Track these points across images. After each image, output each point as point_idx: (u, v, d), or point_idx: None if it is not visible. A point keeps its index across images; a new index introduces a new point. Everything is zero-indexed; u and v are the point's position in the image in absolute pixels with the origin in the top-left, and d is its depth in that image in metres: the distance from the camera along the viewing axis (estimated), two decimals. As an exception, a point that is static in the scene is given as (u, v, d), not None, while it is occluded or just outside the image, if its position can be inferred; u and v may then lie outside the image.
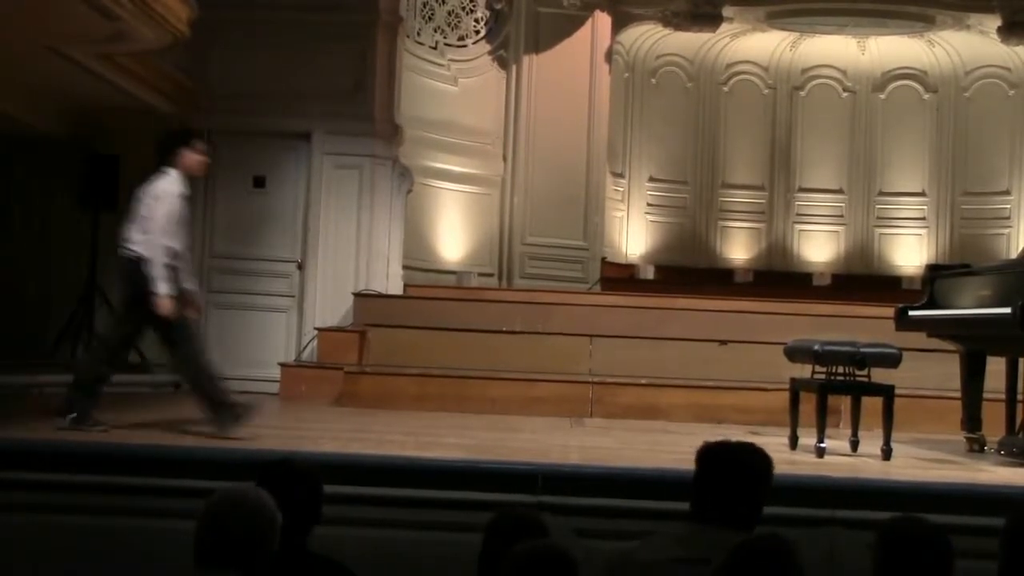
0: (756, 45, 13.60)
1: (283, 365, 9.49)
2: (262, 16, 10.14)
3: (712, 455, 3.29)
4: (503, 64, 12.44)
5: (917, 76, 13.61)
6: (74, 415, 6.19)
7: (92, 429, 6.14)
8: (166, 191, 6.40)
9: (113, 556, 4.86)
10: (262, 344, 10.02)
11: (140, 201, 6.43)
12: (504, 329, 9.46)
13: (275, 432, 6.71)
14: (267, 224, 10.31)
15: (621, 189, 13.36)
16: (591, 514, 4.77)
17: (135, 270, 6.30)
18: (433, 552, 4.73)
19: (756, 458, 3.32)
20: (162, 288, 6.26)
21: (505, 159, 12.35)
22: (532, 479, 5.06)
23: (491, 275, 12.22)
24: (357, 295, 10.03)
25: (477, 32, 12.44)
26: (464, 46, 12.38)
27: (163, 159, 6.52)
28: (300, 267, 10.24)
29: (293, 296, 10.26)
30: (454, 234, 12.06)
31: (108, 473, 5.19)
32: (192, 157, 6.55)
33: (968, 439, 7.23)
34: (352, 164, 10.31)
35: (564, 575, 2.75)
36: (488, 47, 12.45)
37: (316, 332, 9.84)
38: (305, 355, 9.93)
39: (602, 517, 4.77)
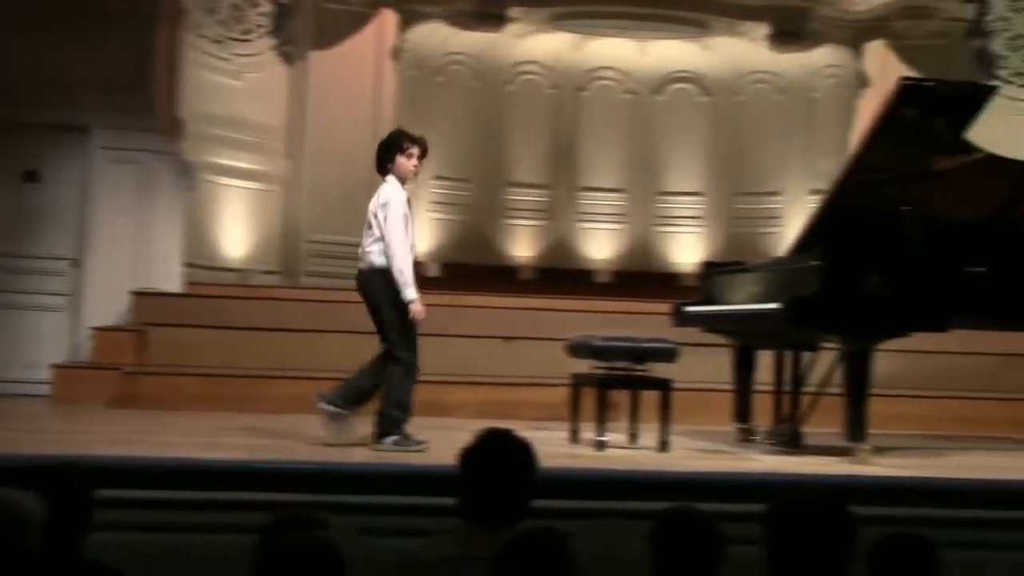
0: (541, 45, 13.81)
1: (56, 366, 9.13)
2: (35, 3, 9.76)
3: (473, 452, 3.30)
4: (288, 60, 12.31)
5: (694, 79, 14.05)
6: (395, 437, 6.32)
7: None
8: (395, 197, 6.47)
9: None
10: (34, 345, 9.64)
11: (372, 213, 6.50)
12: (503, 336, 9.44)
13: (48, 436, 6.49)
14: (41, 220, 9.92)
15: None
16: (375, 512, 4.78)
17: (372, 280, 6.45)
18: (215, 555, 4.65)
19: (517, 450, 3.33)
20: (410, 293, 6.39)
21: (289, 155, 12.23)
22: (316, 478, 5.05)
23: (276, 273, 12.08)
24: (136, 293, 9.76)
25: (261, 27, 12.26)
26: (249, 40, 12.19)
27: (381, 167, 6.65)
28: (76, 265, 9.91)
29: (68, 295, 9.91)
30: (238, 231, 11.87)
31: None
32: (403, 162, 6.59)
33: (739, 429, 7.55)
34: (132, 159, 10.03)
35: (326, 567, 2.70)
36: (273, 42, 12.29)
37: (91, 332, 9.53)
38: (81, 356, 9.61)
39: (386, 515, 4.79)
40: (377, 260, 6.50)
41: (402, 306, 6.45)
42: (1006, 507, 5.33)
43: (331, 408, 6.53)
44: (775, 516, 3.08)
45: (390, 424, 6.42)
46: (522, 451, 3.33)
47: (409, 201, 6.64)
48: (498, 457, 3.28)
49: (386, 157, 6.67)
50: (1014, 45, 13.61)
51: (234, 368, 8.76)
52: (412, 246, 6.63)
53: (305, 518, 3.17)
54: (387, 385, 6.53)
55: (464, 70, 13.72)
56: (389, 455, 6.20)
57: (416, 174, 6.85)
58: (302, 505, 3.95)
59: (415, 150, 6.68)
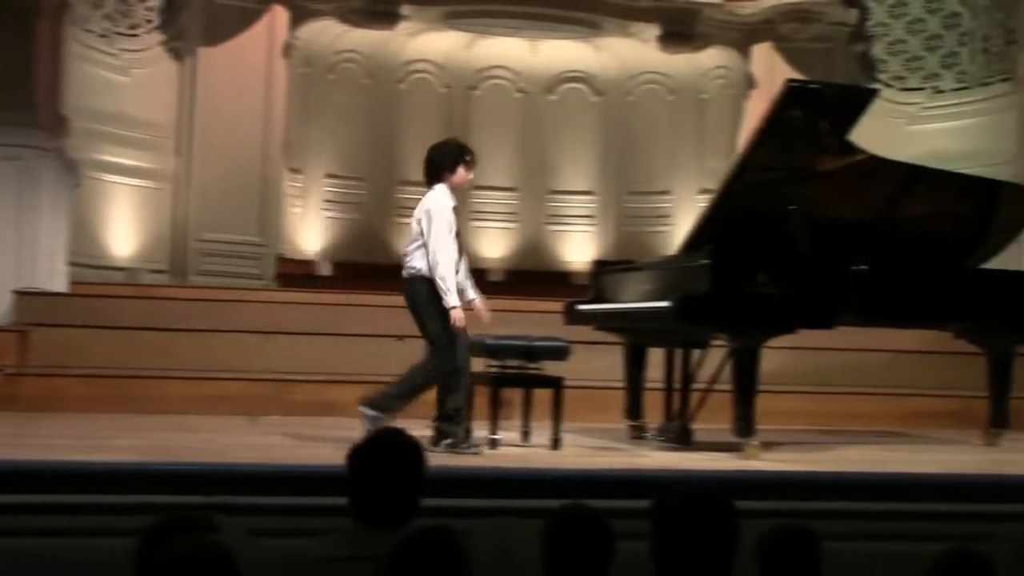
0: (433, 44, 13.79)
1: (-67, 369, 8.87)
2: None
3: (362, 451, 3.28)
4: (177, 55, 12.12)
5: (585, 79, 14.15)
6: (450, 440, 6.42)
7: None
8: (440, 206, 6.50)
9: None
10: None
11: (416, 220, 6.54)
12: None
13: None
14: (-86, 218, 9.63)
15: (299, 185, 13.27)
16: (266, 513, 4.73)
17: (414, 286, 6.47)
18: (101, 559, 4.56)
19: (405, 449, 3.31)
20: (451, 300, 6.39)
21: (179, 153, 12.05)
22: (206, 479, 4.97)
23: (164, 272, 11.88)
24: (19, 293, 9.51)
25: (149, 22, 12.08)
26: (136, 35, 11.99)
27: (436, 175, 6.64)
28: (-47, 264, 9.63)
29: (-55, 295, 9.63)
30: (125, 230, 11.66)
31: None
32: (462, 173, 6.65)
33: (631, 427, 7.62)
34: (12, 156, 9.74)
35: (215, 570, 2.64)
36: (161, 37, 12.11)
37: (-29, 333, 9.27)
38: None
39: (277, 516, 4.73)
40: (419, 266, 6.53)
41: (444, 312, 6.47)
42: (889, 499, 5.44)
43: (370, 412, 6.52)
44: (660, 511, 3.11)
45: (446, 429, 6.50)
46: (411, 450, 3.31)
47: (456, 209, 6.65)
48: (387, 456, 3.26)
49: (444, 166, 6.67)
50: (893, 50, 13.96)
51: (121, 369, 8.59)
52: (462, 252, 6.65)
53: (191, 520, 3.09)
54: (439, 392, 6.62)
55: (356, 68, 13.64)
56: (446, 458, 6.21)
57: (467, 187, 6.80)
58: (191, 507, 3.88)
59: (473, 161, 6.78)
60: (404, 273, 6.67)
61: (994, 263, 7.99)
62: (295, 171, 13.17)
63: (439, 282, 6.44)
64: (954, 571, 2.95)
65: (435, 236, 6.48)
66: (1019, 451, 7.64)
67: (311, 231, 13.39)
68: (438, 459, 5.52)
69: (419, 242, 6.55)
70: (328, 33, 13.25)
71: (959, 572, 2.95)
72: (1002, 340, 7.75)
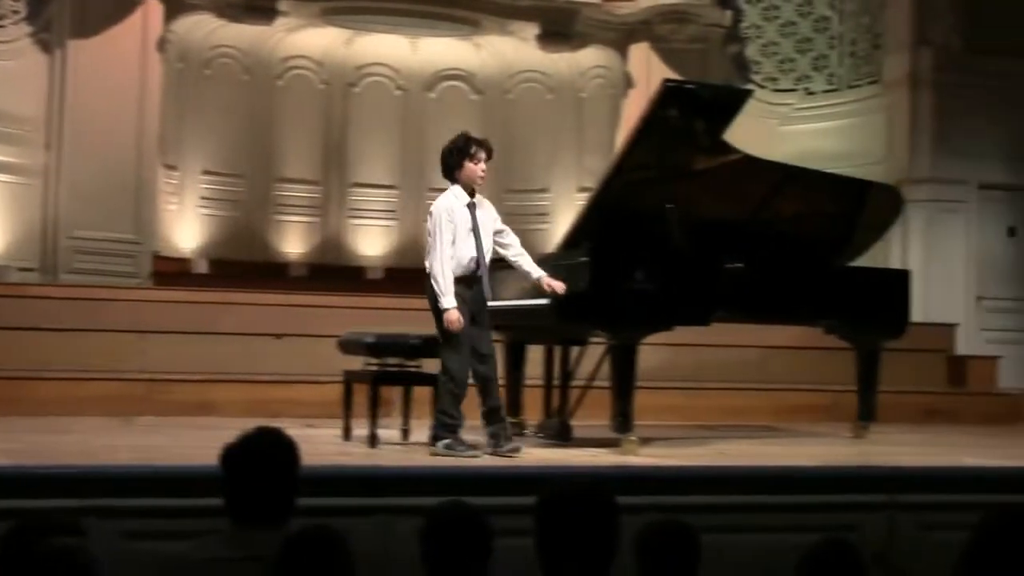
0: (311, 40, 13.67)
1: None
2: None
3: (234, 452, 3.24)
4: (46, 48, 11.82)
5: (465, 77, 14.16)
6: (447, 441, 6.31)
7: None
8: (440, 207, 6.43)
9: None
10: None
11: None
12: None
13: None
14: None
15: (174, 181, 13.04)
16: (140, 515, 4.64)
17: (427, 286, 6.41)
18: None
19: (278, 449, 3.28)
20: (444, 301, 6.26)
21: (48, 148, 11.75)
22: (78, 482, 4.85)
23: (34, 270, 11.57)
24: None
25: (16, 13, 11.75)
26: (2, 27, 11.66)
27: (448, 173, 6.56)
28: None
29: None
30: (-8, 227, 11.34)
31: None
32: (469, 168, 6.47)
33: (511, 423, 7.63)
34: None
35: (73, 573, 2.58)
36: (29, 29, 11.80)
37: None
38: None
39: (152, 518, 4.65)
40: (428, 265, 6.48)
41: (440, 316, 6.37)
42: (763, 492, 5.55)
43: (440, 448, 6.32)
44: (541, 507, 3.13)
45: (441, 428, 6.35)
46: (284, 449, 3.28)
47: (473, 206, 6.49)
48: (260, 456, 3.22)
49: (452, 163, 6.55)
50: (767, 52, 14.25)
51: (-11, 369, 8.36)
52: (479, 250, 6.46)
53: (53, 524, 2.99)
54: (438, 391, 6.50)
55: (233, 64, 13.46)
56: (443, 459, 6.15)
57: (483, 179, 6.62)
58: (64, 511, 3.79)
59: (482, 153, 6.55)
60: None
61: (862, 261, 8.20)
62: (170, 168, 12.95)
63: (434, 283, 6.36)
64: (825, 560, 3.02)
65: (432, 237, 6.44)
66: (886, 443, 7.86)
67: (187, 229, 13.18)
68: (328, 456, 5.48)
69: (429, 243, 6.52)
70: (204, 27, 13.04)
71: (830, 561, 3.02)
72: (869, 336, 7.95)
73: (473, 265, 6.45)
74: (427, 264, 6.49)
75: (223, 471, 3.22)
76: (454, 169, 6.57)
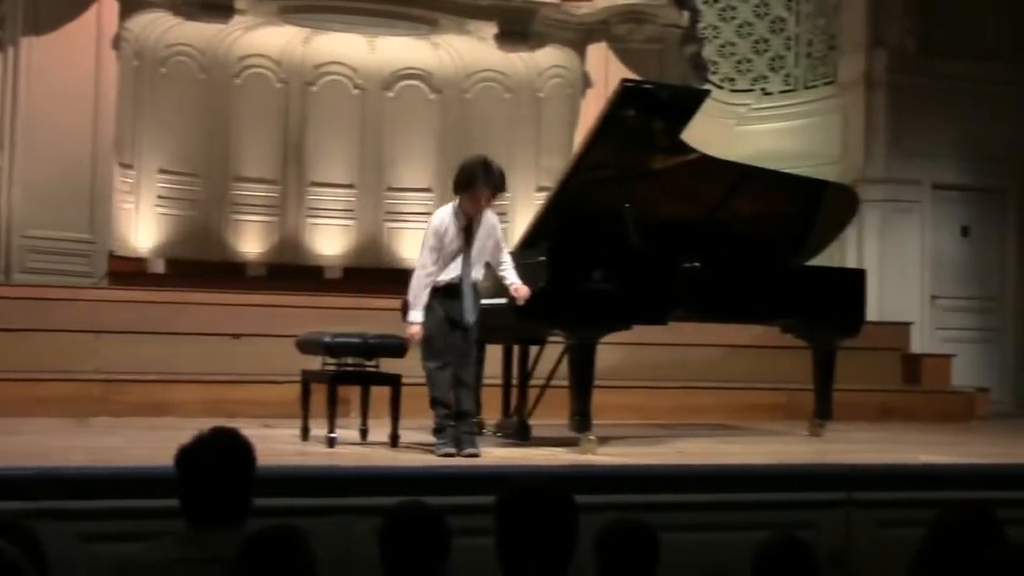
0: (269, 39, 13.58)
1: None
2: None
3: (189, 452, 3.21)
4: (-1, 45, 11.68)
5: (423, 76, 14.12)
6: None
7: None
8: (436, 220, 6.60)
9: None
10: None
11: None
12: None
13: None
14: None
15: (130, 181, 12.92)
16: (96, 517, 4.60)
17: None
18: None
19: (233, 449, 3.25)
20: (410, 316, 6.49)
21: (1, 147, 11.60)
22: (32, 484, 4.80)
23: (-13, 270, 11.44)
24: None
25: (-32, 10, 11.60)
26: (-46, 24, 11.51)
27: (454, 187, 6.68)
28: None
29: None
30: (-56, 226, 11.18)
31: None
32: (471, 198, 6.52)
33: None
34: None
35: None
36: (-20, 27, 11.64)
37: None
38: None
39: (108, 520, 4.60)
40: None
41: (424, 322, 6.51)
42: (721, 490, 5.57)
43: (450, 449, 6.43)
44: (500, 506, 3.13)
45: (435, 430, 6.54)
46: (240, 450, 3.25)
47: (469, 228, 6.56)
48: (215, 456, 3.19)
49: (460, 181, 6.60)
50: (724, 52, 14.32)
51: (-59, 370, 8.26)
52: (465, 269, 6.54)
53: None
54: None
55: (189, 62, 13.35)
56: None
57: (483, 209, 6.63)
58: (16, 514, 3.75)
59: (488, 191, 6.56)
60: None
61: (818, 260, 8.26)
62: (126, 166, 12.83)
63: (409, 294, 6.53)
64: (779, 557, 3.04)
65: (421, 247, 6.60)
66: (842, 441, 7.92)
67: (144, 228, 13.06)
68: (286, 457, 5.46)
69: None
70: (160, 25, 12.93)
71: (784, 557, 3.04)
72: (826, 335, 8.01)
73: (457, 281, 6.52)
74: None
75: (178, 472, 3.19)
76: (459, 188, 6.61)
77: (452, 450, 6.37)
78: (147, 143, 13.07)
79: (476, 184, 6.52)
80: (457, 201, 6.60)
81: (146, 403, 8.27)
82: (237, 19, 12.85)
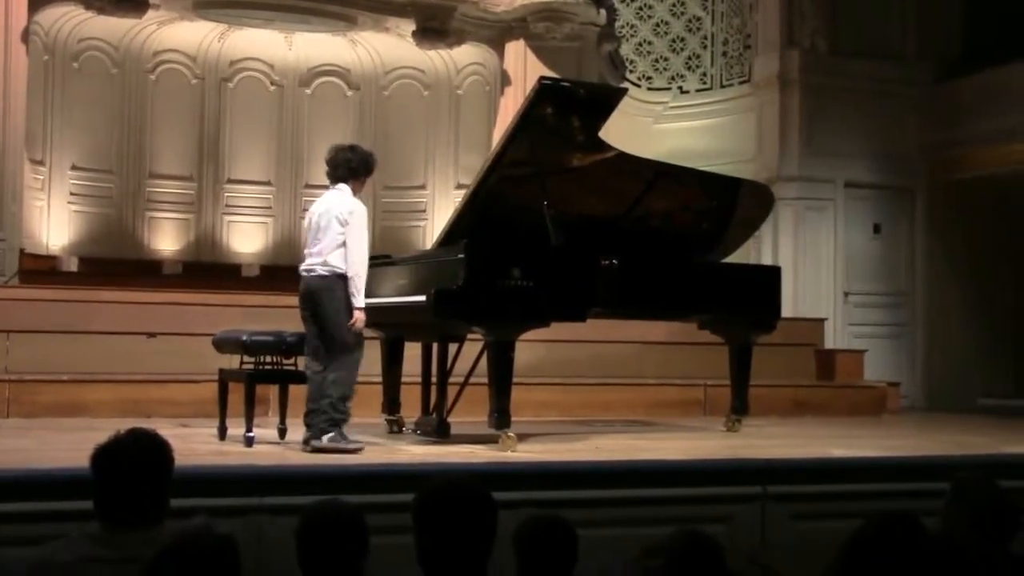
0: (184, 34, 13.44)
1: None
2: None
3: (104, 453, 3.17)
4: (-98, 39, 11.41)
5: (341, 73, 14.06)
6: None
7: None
8: (361, 208, 6.69)
9: None
10: None
11: (335, 218, 6.60)
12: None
13: None
14: None
15: (41, 177, 12.70)
16: (8, 521, 4.51)
17: (334, 285, 6.54)
18: None
19: (149, 449, 3.21)
20: (360, 301, 6.53)
21: (-94, 143, 11.34)
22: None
23: None
24: None
25: None
26: None
27: (341, 176, 6.77)
28: None
29: None
30: None
31: None
32: (363, 184, 6.85)
33: (388, 421, 7.62)
34: None
35: None
36: None
37: None
38: None
39: (18, 523, 4.52)
40: (340, 265, 6.50)
41: (350, 313, 6.47)
42: (639, 486, 5.61)
43: (325, 442, 6.41)
44: (419, 504, 3.12)
45: (328, 424, 6.44)
46: (157, 450, 3.21)
47: None
48: (131, 456, 3.15)
49: (358, 172, 6.75)
50: (641, 51, 14.42)
51: None
52: None
53: None
54: (319, 385, 6.52)
55: (102, 57, 13.17)
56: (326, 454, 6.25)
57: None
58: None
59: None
60: (320, 271, 6.58)
61: (734, 257, 8.34)
62: (37, 163, 12.61)
63: (359, 282, 6.53)
64: (683, 552, 3.06)
65: (351, 236, 6.55)
66: (757, 436, 8.01)
67: (56, 225, 12.85)
68: (203, 456, 5.39)
69: (340, 241, 6.55)
70: (71, 19, 12.72)
71: (688, 552, 3.06)
72: (742, 331, 8.10)
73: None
74: (325, 260, 6.54)
75: (94, 473, 3.15)
76: (359, 177, 6.78)
77: (363, 445, 6.43)
78: (59, 139, 12.87)
79: (372, 170, 6.86)
80: (350, 187, 6.72)
81: (59, 404, 8.13)
82: (151, 14, 12.69)
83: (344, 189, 6.70)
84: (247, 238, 13.69)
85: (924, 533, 3.14)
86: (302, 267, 6.68)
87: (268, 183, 13.84)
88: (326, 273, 6.55)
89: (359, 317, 6.49)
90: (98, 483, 3.13)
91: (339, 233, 6.53)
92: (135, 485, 3.10)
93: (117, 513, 3.08)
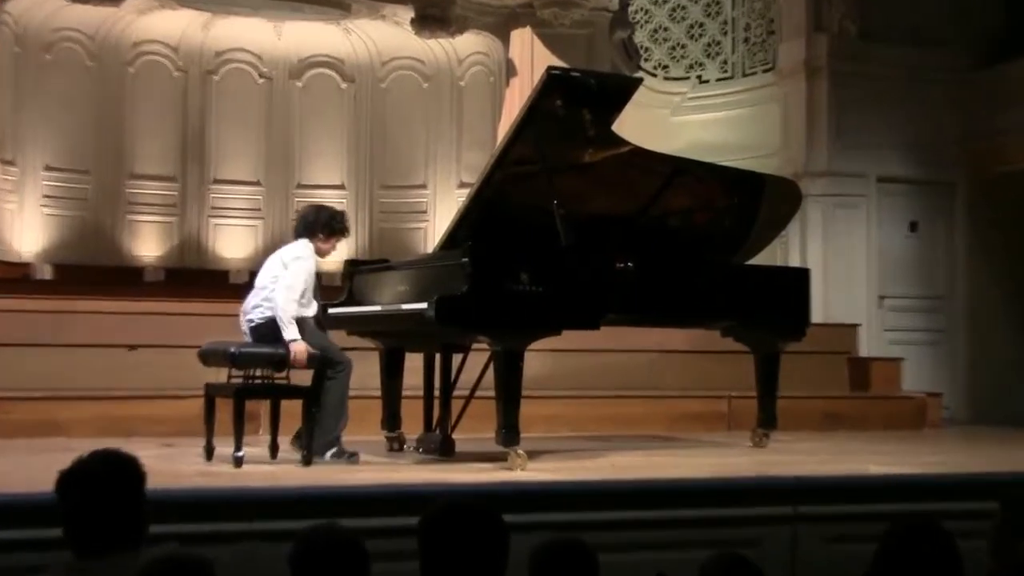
0: (165, 24, 13.44)
1: None
2: None
3: (71, 476, 3.15)
4: None
5: (334, 64, 14.06)
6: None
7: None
8: (312, 260, 7.09)
9: None
10: None
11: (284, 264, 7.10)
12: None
13: None
14: None
15: (12, 179, 12.71)
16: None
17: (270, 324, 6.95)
18: None
19: (120, 470, 3.19)
20: (293, 332, 6.81)
21: None
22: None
23: None
24: None
25: None
26: None
27: (306, 231, 7.15)
28: None
29: None
30: None
31: None
32: (328, 245, 7.17)
33: (388, 438, 7.60)
34: None
35: None
36: None
37: None
38: None
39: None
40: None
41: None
42: (660, 507, 5.58)
43: (328, 458, 6.80)
44: (424, 528, 3.10)
45: (324, 446, 6.82)
46: (123, 468, 3.19)
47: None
48: (99, 480, 3.13)
49: (313, 228, 7.12)
50: (656, 38, 14.41)
51: None
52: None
53: None
54: (317, 409, 6.86)
55: (78, 49, 13.17)
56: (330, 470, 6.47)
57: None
58: None
59: (339, 242, 7.25)
60: (268, 313, 6.97)
61: (760, 258, 8.31)
62: (8, 163, 12.62)
63: (279, 319, 6.84)
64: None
65: (293, 278, 6.95)
66: (787, 452, 7.98)
67: (28, 230, 12.85)
68: (188, 478, 5.37)
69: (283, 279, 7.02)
70: (44, 8, 12.73)
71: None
72: (768, 338, 8.06)
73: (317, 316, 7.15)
74: (271, 300, 6.93)
75: (60, 501, 3.13)
76: (318, 233, 7.12)
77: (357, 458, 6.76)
78: (31, 137, 12.88)
79: (339, 234, 7.20)
80: (312, 242, 7.10)
81: (34, 422, 8.11)
82: (130, 2, 12.72)
83: (301, 243, 7.10)
84: (235, 242, 13.69)
85: (952, 541, 3.14)
86: (245, 317, 7.07)
87: (257, 183, 13.84)
88: (271, 310, 6.91)
89: (297, 350, 6.74)
90: (66, 511, 3.11)
91: (279, 276, 6.97)
92: (106, 509, 3.08)
93: (87, 541, 3.06)
